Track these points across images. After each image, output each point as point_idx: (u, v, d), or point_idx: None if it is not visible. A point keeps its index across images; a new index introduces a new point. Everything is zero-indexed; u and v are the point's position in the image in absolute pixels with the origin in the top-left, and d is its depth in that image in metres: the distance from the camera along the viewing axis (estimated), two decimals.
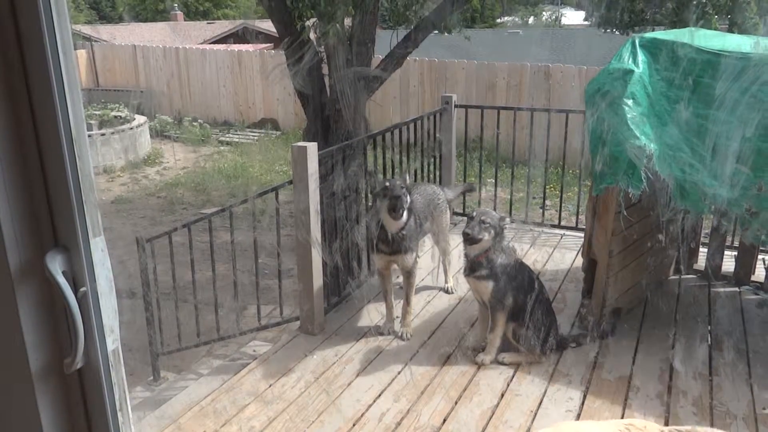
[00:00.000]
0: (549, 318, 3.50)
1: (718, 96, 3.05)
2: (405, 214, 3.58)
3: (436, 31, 6.42)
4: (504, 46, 18.83)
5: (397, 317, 3.87)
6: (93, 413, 1.03)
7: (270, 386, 3.31)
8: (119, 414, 1.05)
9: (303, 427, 2.96)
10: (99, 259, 0.98)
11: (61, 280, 0.92)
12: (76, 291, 0.95)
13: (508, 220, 3.42)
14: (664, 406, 3.09)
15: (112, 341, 1.02)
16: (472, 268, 3.42)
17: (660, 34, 3.61)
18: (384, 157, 4.56)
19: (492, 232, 3.31)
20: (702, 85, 3.16)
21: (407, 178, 3.80)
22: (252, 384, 3.34)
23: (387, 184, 3.61)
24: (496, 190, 5.88)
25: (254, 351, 4.05)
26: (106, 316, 1.00)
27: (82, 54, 16.99)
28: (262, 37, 20.93)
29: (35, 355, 0.95)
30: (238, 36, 21.97)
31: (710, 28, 6.49)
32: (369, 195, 3.93)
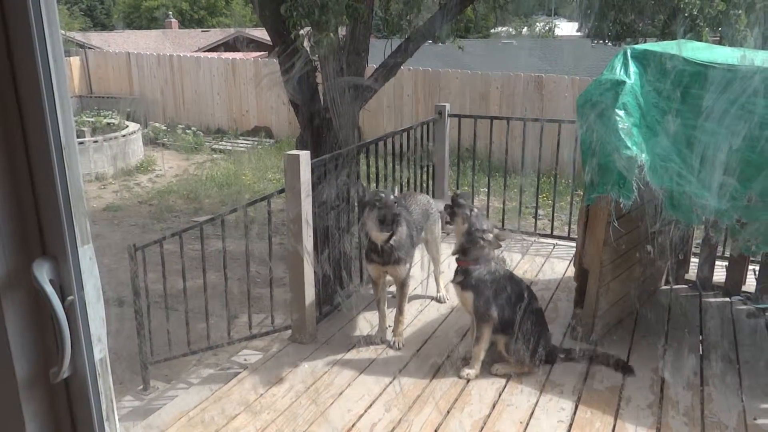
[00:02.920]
0: (541, 329, 3.49)
1: (707, 107, 3.08)
2: (396, 228, 3.56)
3: (430, 41, 6.46)
4: (497, 56, 18.95)
5: (389, 326, 3.86)
6: (79, 423, 1.02)
7: (260, 396, 3.29)
8: (106, 424, 1.04)
9: None
10: (87, 268, 0.98)
11: (49, 289, 0.91)
12: (63, 300, 0.94)
13: (493, 233, 3.37)
14: (655, 417, 3.09)
15: (100, 350, 1.01)
16: (456, 275, 3.42)
17: (651, 45, 3.64)
18: (377, 166, 4.56)
19: (465, 225, 3.32)
20: (692, 96, 3.19)
21: (395, 190, 3.79)
22: (242, 394, 3.32)
23: (381, 196, 3.58)
24: (488, 200, 5.89)
25: (245, 360, 4.03)
26: (93, 325, 0.99)
27: (75, 61, 16.97)
28: (253, 45, 20.98)
29: (21, 364, 0.94)
30: (229, 45, 22.00)
31: (701, 41, 6.55)
32: (357, 206, 3.88)
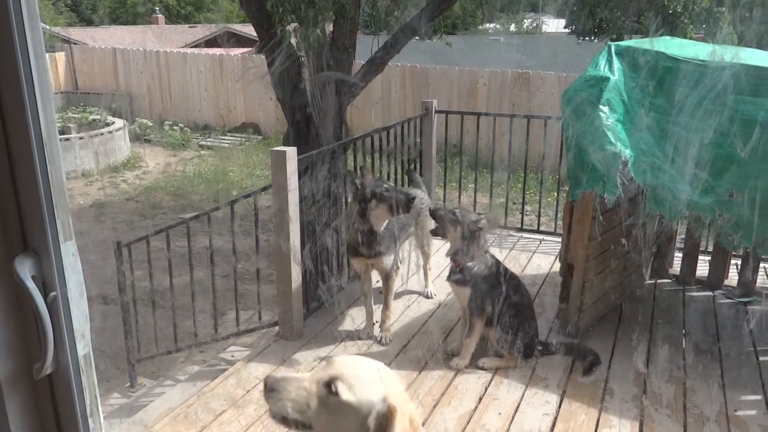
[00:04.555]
0: (530, 323, 3.52)
1: (690, 104, 3.11)
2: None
3: (417, 37, 6.46)
4: (485, 52, 18.99)
5: (377, 322, 3.87)
6: (63, 419, 1.02)
7: (247, 392, 3.29)
8: (90, 420, 1.04)
9: None
10: (69, 264, 0.97)
11: (30, 285, 0.91)
12: (45, 296, 0.94)
13: (483, 221, 3.40)
14: (639, 409, 3.13)
15: (83, 346, 1.01)
16: (451, 273, 3.44)
17: (635, 42, 3.68)
18: (364, 162, 4.56)
19: (458, 228, 3.34)
20: (675, 92, 3.22)
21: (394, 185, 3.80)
22: (228, 390, 3.32)
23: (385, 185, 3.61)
24: (475, 195, 5.91)
25: (232, 356, 4.03)
26: (76, 321, 0.99)
27: (61, 57, 16.78)
28: (234, 40, 20.84)
29: (3, 360, 0.94)
30: (215, 41, 21.85)
31: (685, 38, 6.61)
32: (351, 196, 3.82)
